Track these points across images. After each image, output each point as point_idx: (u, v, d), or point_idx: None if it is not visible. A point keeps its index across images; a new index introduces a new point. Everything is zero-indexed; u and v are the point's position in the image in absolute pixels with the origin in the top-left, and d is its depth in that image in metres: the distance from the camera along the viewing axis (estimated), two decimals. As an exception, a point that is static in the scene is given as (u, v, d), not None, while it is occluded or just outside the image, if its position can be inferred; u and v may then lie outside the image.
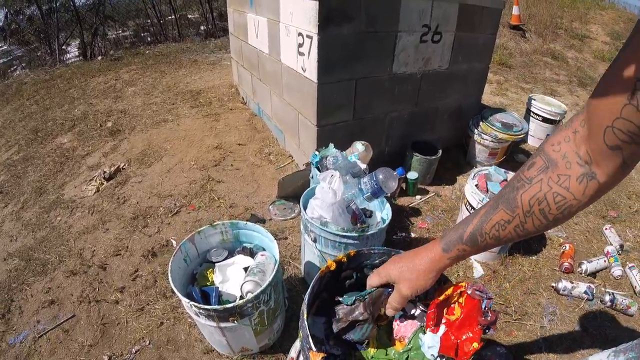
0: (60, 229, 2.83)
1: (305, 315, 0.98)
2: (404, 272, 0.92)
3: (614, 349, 0.94)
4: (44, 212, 3.04)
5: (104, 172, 3.34)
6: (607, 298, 2.18)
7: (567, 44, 7.52)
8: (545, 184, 0.69)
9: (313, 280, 1.09)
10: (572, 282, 2.26)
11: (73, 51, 11.05)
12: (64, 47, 10.48)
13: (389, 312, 1.00)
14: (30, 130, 4.57)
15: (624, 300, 2.16)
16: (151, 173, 3.35)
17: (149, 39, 12.55)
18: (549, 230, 2.33)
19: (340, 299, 1.11)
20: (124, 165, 3.50)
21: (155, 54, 7.60)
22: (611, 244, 2.63)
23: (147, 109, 4.64)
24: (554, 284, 2.29)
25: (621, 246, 2.63)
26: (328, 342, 1.12)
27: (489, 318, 0.97)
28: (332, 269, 1.14)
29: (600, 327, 2.10)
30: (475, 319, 0.99)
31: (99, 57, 8.73)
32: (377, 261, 1.20)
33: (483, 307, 0.98)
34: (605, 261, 2.47)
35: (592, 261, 2.43)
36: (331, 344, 1.12)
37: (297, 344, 1.39)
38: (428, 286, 0.91)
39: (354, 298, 1.09)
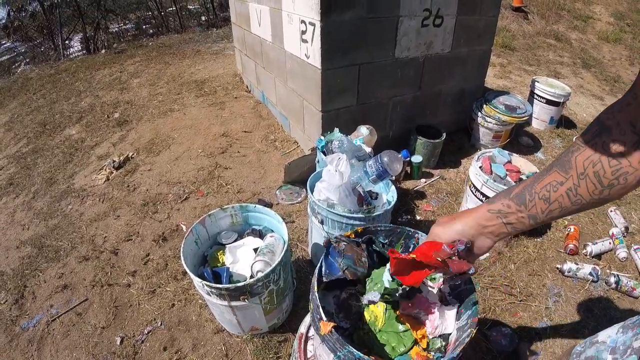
0: (71, 216, 2.88)
1: (315, 288, 1.02)
2: (444, 221, 0.91)
3: (621, 323, 0.96)
4: (55, 201, 3.10)
5: (113, 161, 3.39)
6: (612, 280, 2.18)
7: (571, 25, 7.45)
8: (600, 147, 0.69)
9: (323, 255, 1.13)
10: (577, 264, 2.27)
11: (76, 45, 11.05)
12: (67, 41, 10.48)
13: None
14: (38, 123, 4.63)
15: (628, 282, 2.16)
16: (159, 161, 3.40)
17: (150, 31, 12.54)
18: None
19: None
20: (133, 154, 3.55)
21: (158, 46, 7.62)
22: (616, 226, 2.63)
23: (153, 99, 4.69)
24: (558, 266, 2.30)
25: (626, 228, 2.63)
26: (337, 316, 1.15)
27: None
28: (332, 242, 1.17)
29: (605, 308, 2.11)
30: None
31: (103, 51, 8.75)
32: (383, 237, 1.23)
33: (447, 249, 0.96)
34: (610, 243, 2.47)
35: (597, 243, 2.43)
36: (340, 317, 1.15)
37: (306, 320, 1.42)
38: (459, 231, 0.87)
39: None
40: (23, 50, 12.03)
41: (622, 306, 2.13)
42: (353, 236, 1.19)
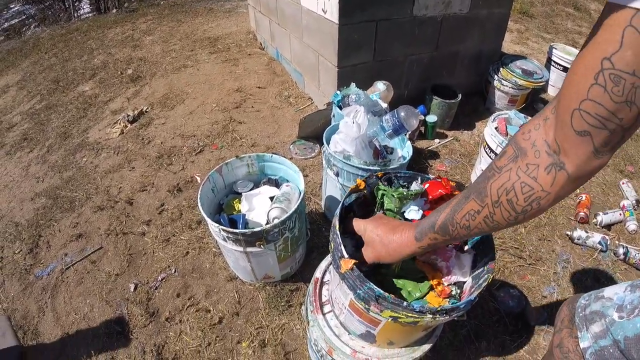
0: (86, 168, 2.91)
1: (337, 228, 1.02)
2: (376, 241, 0.95)
3: (630, 282, 0.95)
4: (70, 155, 3.12)
5: (128, 115, 3.40)
6: (621, 251, 2.18)
7: (590, -6, 7.26)
8: (514, 174, 0.66)
9: (344, 197, 1.13)
10: (587, 232, 2.27)
11: (86, 7, 10.91)
12: (76, 2, 10.36)
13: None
14: (51, 80, 4.62)
15: (637, 255, 2.16)
16: (174, 115, 3.41)
17: (162, -10, 12.36)
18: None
19: None
20: (147, 108, 3.56)
21: (170, 4, 7.51)
22: (627, 199, 2.61)
23: (166, 55, 4.67)
24: (568, 232, 2.30)
25: (637, 201, 2.60)
26: (355, 258, 1.16)
27: None
28: (361, 187, 1.17)
29: (612, 278, 2.11)
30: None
31: (114, 10, 8.65)
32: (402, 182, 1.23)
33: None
34: (620, 214, 2.46)
35: (607, 213, 2.42)
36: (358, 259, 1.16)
37: (321, 266, 1.43)
38: (391, 261, 0.95)
39: None
40: (33, 13, 11.89)
41: (629, 278, 2.11)
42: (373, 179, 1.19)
